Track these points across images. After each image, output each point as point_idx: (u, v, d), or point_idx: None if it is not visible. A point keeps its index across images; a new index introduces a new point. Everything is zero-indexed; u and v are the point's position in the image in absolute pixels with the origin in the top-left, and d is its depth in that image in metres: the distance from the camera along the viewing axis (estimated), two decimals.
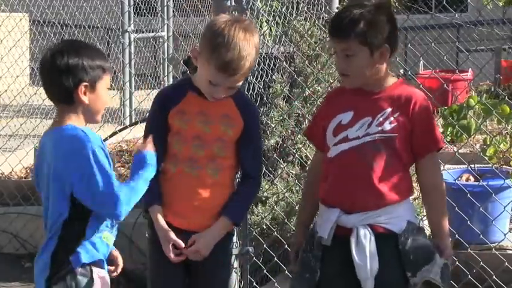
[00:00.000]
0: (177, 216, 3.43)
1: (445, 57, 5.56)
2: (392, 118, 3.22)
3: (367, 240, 3.18)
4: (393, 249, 3.21)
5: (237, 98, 3.44)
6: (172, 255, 3.38)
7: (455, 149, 7.68)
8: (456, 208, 4.55)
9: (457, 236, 4.64)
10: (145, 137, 3.47)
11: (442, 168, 5.20)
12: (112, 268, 3.37)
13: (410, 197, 3.34)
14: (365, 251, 3.17)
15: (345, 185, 3.24)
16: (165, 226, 3.41)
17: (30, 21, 11.03)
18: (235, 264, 4.29)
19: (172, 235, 3.39)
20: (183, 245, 3.39)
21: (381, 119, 3.22)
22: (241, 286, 4.42)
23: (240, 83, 3.37)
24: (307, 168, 3.64)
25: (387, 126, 3.21)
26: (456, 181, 4.98)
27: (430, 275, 3.19)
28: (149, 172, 3.23)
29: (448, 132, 8.47)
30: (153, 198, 3.44)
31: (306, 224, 3.50)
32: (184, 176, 3.41)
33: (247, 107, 3.47)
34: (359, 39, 3.18)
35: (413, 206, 3.38)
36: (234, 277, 4.30)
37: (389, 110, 3.22)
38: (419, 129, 3.23)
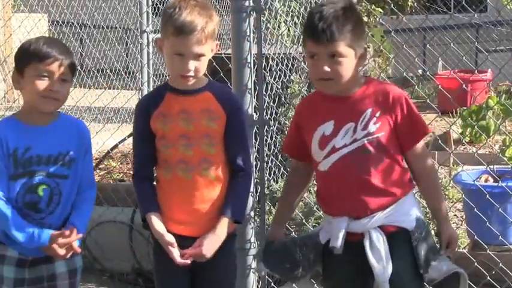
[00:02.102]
0: (178, 224, 3.38)
1: (464, 57, 5.53)
2: (375, 118, 3.18)
3: (380, 242, 3.17)
4: (406, 245, 3.20)
5: (216, 91, 3.40)
6: (178, 259, 3.33)
7: (474, 149, 7.65)
8: (475, 209, 4.53)
9: (476, 237, 4.62)
10: (135, 148, 3.51)
11: (461, 169, 5.21)
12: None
13: (413, 190, 3.33)
14: (381, 254, 3.16)
15: (345, 194, 3.21)
16: (164, 232, 3.36)
17: (49, 22, 11.08)
18: (253, 264, 4.29)
19: (172, 239, 3.34)
20: (178, 249, 3.35)
21: (364, 122, 3.18)
22: (259, 286, 4.42)
23: (205, 50, 3.30)
24: (289, 171, 3.64)
25: (372, 127, 3.18)
26: (475, 182, 4.95)
27: (443, 267, 3.18)
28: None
29: (467, 133, 8.45)
30: (148, 206, 3.42)
31: (282, 222, 3.57)
32: (180, 181, 3.36)
33: (227, 98, 3.42)
34: (347, 42, 3.12)
35: (417, 199, 3.36)
36: (252, 278, 4.29)
37: (369, 110, 3.19)
38: (403, 122, 3.20)
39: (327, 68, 3.14)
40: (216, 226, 3.36)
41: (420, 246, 3.21)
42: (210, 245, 3.34)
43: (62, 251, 3.35)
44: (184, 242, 3.36)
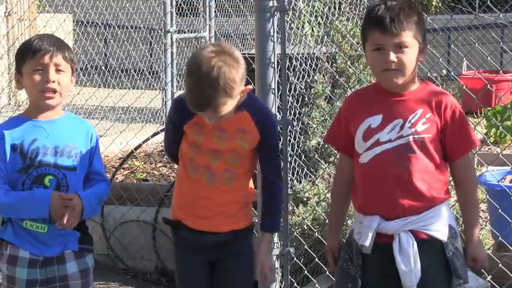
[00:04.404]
0: (195, 219, 3.48)
1: (488, 57, 5.50)
2: (424, 119, 3.16)
3: (410, 246, 3.13)
4: (438, 255, 3.17)
5: (254, 110, 3.43)
6: None
7: (498, 150, 7.61)
8: (499, 210, 4.51)
9: (500, 238, 4.59)
10: (167, 133, 3.58)
11: (485, 169, 5.18)
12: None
13: (448, 199, 3.30)
14: (409, 258, 3.13)
15: (382, 189, 3.18)
16: None
17: (73, 22, 11.13)
18: (276, 264, 4.29)
19: None
20: None
21: (413, 121, 3.16)
22: (282, 286, 4.41)
23: (220, 113, 3.26)
24: (335, 171, 3.62)
25: (420, 127, 3.16)
26: (500, 183, 4.92)
27: (479, 280, 3.17)
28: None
29: (492, 134, 8.40)
30: None
31: (339, 227, 3.51)
32: (202, 184, 3.44)
33: (262, 117, 3.46)
34: (413, 32, 3.13)
35: (450, 208, 3.34)
36: (275, 277, 4.29)
37: (420, 110, 3.17)
38: (454, 130, 3.18)
39: (393, 57, 3.12)
40: (261, 244, 3.57)
41: (455, 257, 3.18)
42: (268, 263, 3.62)
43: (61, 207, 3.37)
44: (200, 236, 3.48)
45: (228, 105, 3.25)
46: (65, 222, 3.36)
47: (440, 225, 3.18)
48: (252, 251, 3.64)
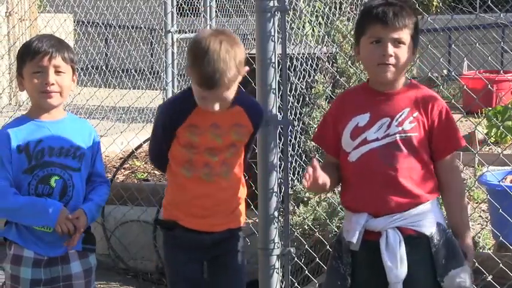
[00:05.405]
0: (191, 219, 3.50)
1: (489, 57, 5.50)
2: (411, 117, 3.19)
3: (396, 243, 3.16)
4: (425, 252, 3.19)
5: (246, 105, 3.47)
6: None
7: (499, 150, 7.61)
8: (500, 210, 4.51)
9: (501, 238, 4.60)
10: (154, 142, 3.54)
11: (486, 169, 5.19)
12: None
13: (437, 197, 3.31)
14: (395, 255, 3.15)
15: (370, 187, 3.21)
16: None
17: (74, 22, 11.14)
18: (277, 264, 4.29)
19: None
20: None
21: (400, 119, 3.19)
22: (283, 286, 4.41)
23: (229, 94, 3.31)
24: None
25: (407, 125, 3.19)
26: (500, 183, 4.93)
27: (457, 279, 3.17)
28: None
29: (492, 134, 8.41)
30: None
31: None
32: (201, 182, 3.46)
33: (255, 112, 3.53)
34: (410, 31, 3.18)
35: (440, 206, 3.35)
36: (276, 277, 4.29)
37: (408, 109, 3.20)
38: (440, 129, 3.21)
39: (391, 51, 3.16)
40: None
41: (440, 253, 3.19)
42: None
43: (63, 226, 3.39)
44: (194, 235, 3.51)
45: (233, 88, 3.30)
46: (75, 243, 3.43)
47: (427, 221, 3.21)
48: (244, 250, 3.67)
